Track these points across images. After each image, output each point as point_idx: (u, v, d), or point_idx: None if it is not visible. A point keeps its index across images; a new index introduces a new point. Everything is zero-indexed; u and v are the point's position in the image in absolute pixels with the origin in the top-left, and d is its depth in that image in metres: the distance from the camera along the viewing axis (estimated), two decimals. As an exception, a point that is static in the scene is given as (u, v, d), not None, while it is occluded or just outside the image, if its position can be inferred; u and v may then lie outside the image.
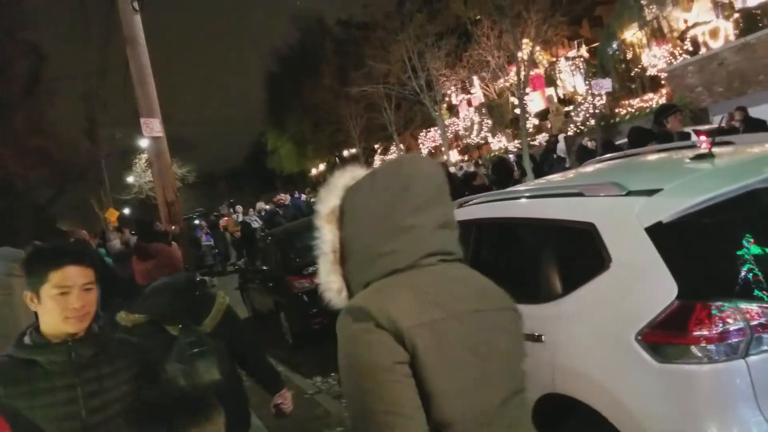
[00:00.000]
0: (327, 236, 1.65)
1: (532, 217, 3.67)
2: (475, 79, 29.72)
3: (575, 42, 28.49)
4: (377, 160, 39.10)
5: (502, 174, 9.16)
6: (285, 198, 21.32)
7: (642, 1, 21.47)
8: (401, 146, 34.81)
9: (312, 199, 19.35)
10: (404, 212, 1.55)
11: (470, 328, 1.49)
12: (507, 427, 1.49)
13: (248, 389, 3.38)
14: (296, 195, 24.35)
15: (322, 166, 48.73)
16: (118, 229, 19.61)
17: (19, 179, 27.38)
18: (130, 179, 39.67)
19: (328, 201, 1.67)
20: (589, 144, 17.09)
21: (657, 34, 21.56)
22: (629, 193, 3.01)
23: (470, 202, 4.36)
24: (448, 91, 30.24)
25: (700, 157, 3.27)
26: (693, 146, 3.78)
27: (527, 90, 23.76)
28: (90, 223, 33.26)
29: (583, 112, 24.16)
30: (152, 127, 8.31)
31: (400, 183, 1.58)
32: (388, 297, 1.47)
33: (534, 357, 3.27)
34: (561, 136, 21.82)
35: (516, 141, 26.03)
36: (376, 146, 39.07)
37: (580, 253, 3.16)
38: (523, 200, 3.80)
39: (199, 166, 48.49)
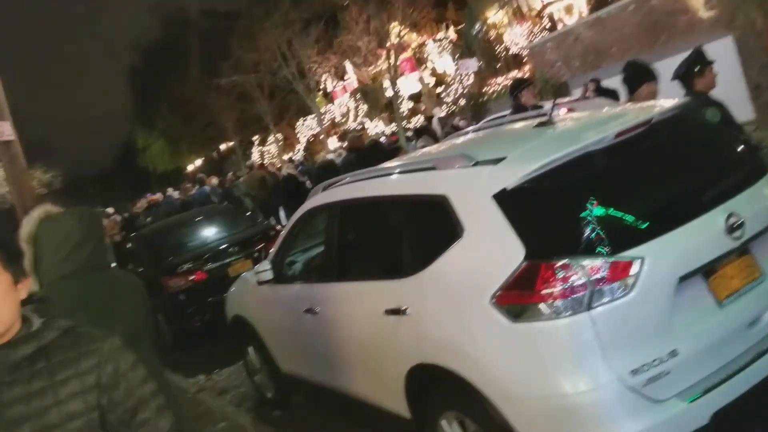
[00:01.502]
0: (27, 253, 2.47)
1: (389, 194, 3.71)
2: (348, 65, 29.71)
3: (443, 24, 29.11)
4: (255, 152, 38.33)
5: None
6: (157, 197, 20.46)
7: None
8: (278, 136, 34.33)
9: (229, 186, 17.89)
10: (68, 245, 2.46)
11: (95, 308, 2.36)
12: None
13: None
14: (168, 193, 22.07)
15: (198, 162, 47.24)
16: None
17: None
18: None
19: (27, 228, 2.48)
20: (461, 123, 17.53)
21: (517, 14, 22.46)
22: (476, 164, 3.09)
23: (333, 186, 4.35)
24: (322, 78, 30.06)
25: (541, 126, 3.42)
26: (540, 115, 3.92)
27: (399, 73, 24.06)
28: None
29: (453, 93, 24.84)
30: (1, 131, 7.64)
31: (63, 227, 2.49)
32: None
33: (401, 330, 3.34)
34: (435, 118, 22.29)
35: (393, 124, 26.32)
36: (254, 138, 38.24)
37: (435, 226, 3.22)
38: (381, 179, 3.82)
39: (66, 170, 45.87)
